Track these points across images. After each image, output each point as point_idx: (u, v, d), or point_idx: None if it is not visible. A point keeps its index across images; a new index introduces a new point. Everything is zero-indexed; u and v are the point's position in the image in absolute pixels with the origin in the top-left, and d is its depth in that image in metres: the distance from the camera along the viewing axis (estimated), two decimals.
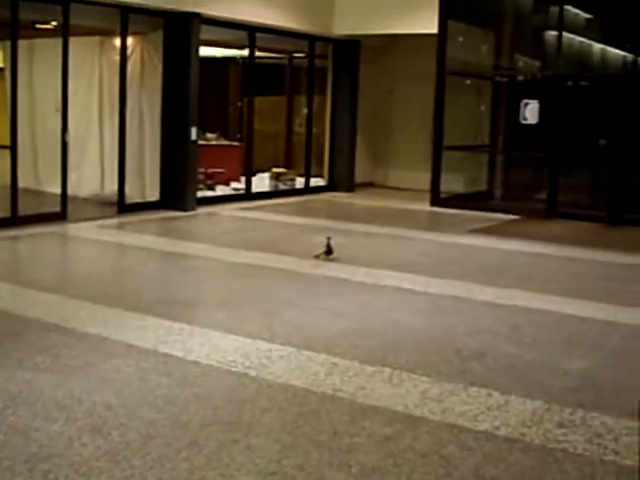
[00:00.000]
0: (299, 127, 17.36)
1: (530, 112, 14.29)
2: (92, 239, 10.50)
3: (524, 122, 14.38)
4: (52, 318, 6.58)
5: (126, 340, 6.06)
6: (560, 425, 4.74)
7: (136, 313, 6.79)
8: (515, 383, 5.46)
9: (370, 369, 5.61)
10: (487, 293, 8.03)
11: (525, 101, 14.39)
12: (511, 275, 9.08)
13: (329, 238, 9.41)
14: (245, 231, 11.63)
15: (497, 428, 4.66)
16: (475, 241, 11.28)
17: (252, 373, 5.44)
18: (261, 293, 7.79)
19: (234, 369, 5.50)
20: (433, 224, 13.38)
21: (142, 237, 10.73)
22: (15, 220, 10.83)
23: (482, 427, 4.67)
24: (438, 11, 14.54)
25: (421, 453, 4.31)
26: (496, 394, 5.20)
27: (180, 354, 5.78)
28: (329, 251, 9.37)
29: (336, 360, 5.76)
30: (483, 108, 16.46)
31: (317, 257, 9.31)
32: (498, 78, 16.28)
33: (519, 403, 5.07)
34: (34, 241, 10.17)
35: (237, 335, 6.28)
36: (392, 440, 4.46)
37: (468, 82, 16.13)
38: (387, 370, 5.59)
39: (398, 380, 5.41)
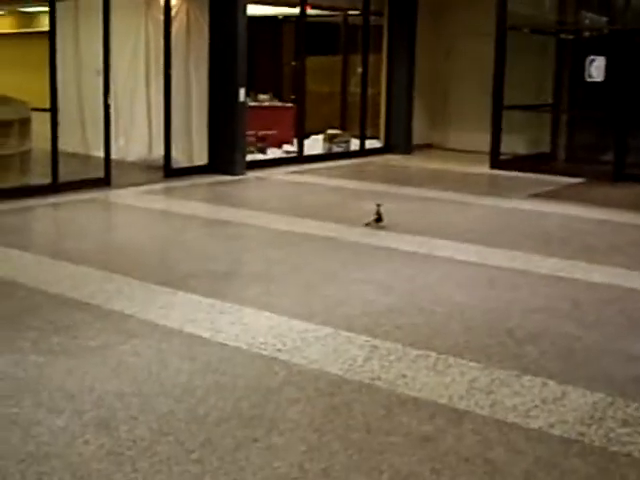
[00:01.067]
0: (354, 87, 16.75)
1: (596, 69, 13.48)
2: (133, 206, 10.11)
3: (589, 80, 13.59)
4: (76, 293, 6.18)
5: (151, 318, 5.63)
6: (625, 423, 4.18)
7: (166, 287, 6.36)
8: (574, 371, 4.90)
9: (414, 353, 5.10)
10: (547, 265, 7.44)
11: (591, 57, 13.58)
12: (573, 244, 8.45)
13: (379, 205, 8.87)
14: (295, 196, 11.16)
15: (552, 426, 4.13)
16: (536, 206, 10.63)
17: (283, 357, 4.97)
18: (303, 264, 7.30)
19: (264, 352, 5.04)
20: (492, 188, 12.73)
21: (186, 203, 10.31)
22: (56, 187, 10.48)
23: (535, 424, 4.14)
24: None
25: (464, 456, 3.80)
26: (552, 384, 4.66)
27: (207, 334, 5.33)
28: (379, 218, 8.83)
29: (377, 342, 5.26)
30: (546, 65, 15.64)
31: (367, 225, 8.78)
32: (563, 35, 15.44)
33: (578, 395, 4.51)
34: (72, 209, 9.81)
35: (271, 312, 5.81)
36: (431, 440, 3.96)
37: (531, 38, 15.32)
38: (433, 355, 5.07)
39: (444, 366, 4.89)
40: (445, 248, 8.00)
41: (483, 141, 15.16)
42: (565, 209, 10.45)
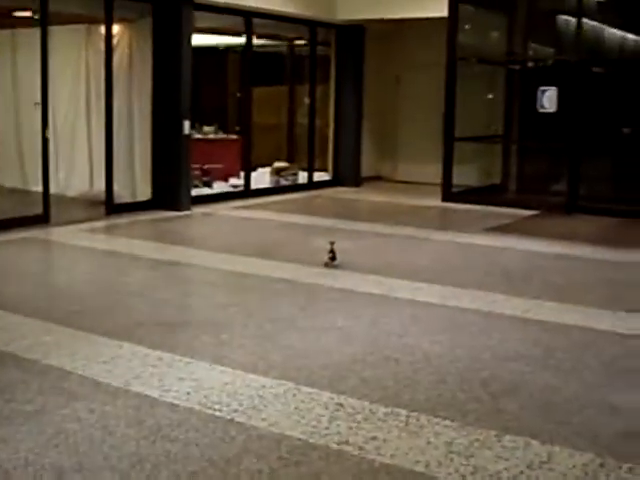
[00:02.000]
0: (301, 118, 16.41)
1: (548, 99, 13.30)
2: (74, 245, 9.57)
3: (542, 110, 13.40)
4: (11, 347, 5.67)
5: (94, 375, 5.13)
6: None
7: (110, 338, 5.87)
8: (557, 427, 4.52)
9: (383, 410, 4.68)
10: (513, 305, 7.10)
11: (542, 88, 13.40)
12: (537, 282, 8.15)
13: (332, 243, 8.47)
14: (243, 233, 10.72)
15: None
16: (492, 241, 10.33)
17: (240, 419, 4.51)
18: (257, 309, 6.86)
19: (218, 413, 4.57)
20: (446, 222, 12.43)
21: (130, 242, 9.81)
22: None
23: None
24: None
25: None
26: (536, 444, 4.27)
27: (155, 394, 4.85)
28: (333, 257, 8.43)
29: (342, 399, 4.83)
30: (496, 96, 15.47)
31: (326, 265, 8.36)
32: (511, 65, 15.29)
33: (565, 457, 4.13)
34: (6, 249, 9.23)
35: (225, 366, 5.35)
36: None
37: (480, 69, 15.14)
38: (403, 412, 4.65)
39: (416, 426, 4.48)
40: (404, 288, 7.62)
41: (432, 173, 15.00)
42: (522, 244, 10.16)
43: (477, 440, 4.31)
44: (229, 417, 4.53)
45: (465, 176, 14.53)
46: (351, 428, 4.43)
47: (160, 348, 5.66)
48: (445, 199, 14.01)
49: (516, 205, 13.36)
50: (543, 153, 14.95)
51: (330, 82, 15.75)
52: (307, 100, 15.42)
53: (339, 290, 7.56)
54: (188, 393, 4.86)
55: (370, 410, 4.68)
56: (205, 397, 4.80)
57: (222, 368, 5.31)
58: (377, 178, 16.74)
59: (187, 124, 11.94)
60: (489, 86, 15.43)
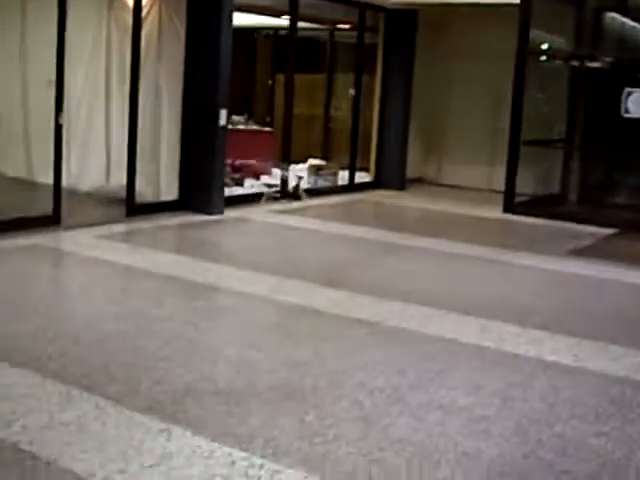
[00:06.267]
0: (338, 111, 14.73)
1: (635, 103, 11.58)
2: (91, 258, 7.77)
3: (627, 115, 11.69)
4: (14, 429, 3.95)
5: None
6: None
7: (152, 418, 4.15)
8: None
9: None
10: None
11: (628, 90, 11.68)
12: None
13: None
14: (290, 248, 9.00)
15: None
16: (586, 269, 8.60)
17: None
18: (341, 371, 5.12)
19: None
20: (519, 240, 10.56)
21: (156, 256, 8.06)
22: None
23: None
24: None
25: None
26: None
27: None
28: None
29: None
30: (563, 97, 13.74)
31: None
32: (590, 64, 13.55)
33: None
34: (6, 262, 7.45)
35: (321, 474, 3.64)
36: None
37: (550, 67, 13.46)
38: None
39: None
40: (519, 339, 5.94)
41: (480, 176, 13.82)
42: (623, 274, 8.46)
43: None
44: None
45: (523, 183, 12.80)
46: None
47: (225, 439, 3.95)
48: (507, 210, 12.30)
49: (589, 221, 11.61)
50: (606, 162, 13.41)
51: (376, 73, 13.99)
52: (352, 91, 13.64)
53: (437, 339, 5.85)
54: None
55: None
56: None
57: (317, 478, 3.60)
58: (419, 180, 15.00)
59: (224, 114, 10.22)
60: (556, 86, 13.66)
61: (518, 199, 12.37)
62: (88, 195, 10.74)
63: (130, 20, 9.70)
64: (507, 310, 6.74)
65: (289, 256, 8.44)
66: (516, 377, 5.17)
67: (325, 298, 6.72)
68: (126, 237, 8.96)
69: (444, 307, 6.64)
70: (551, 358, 5.55)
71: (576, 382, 5.17)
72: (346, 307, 6.51)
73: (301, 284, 7.12)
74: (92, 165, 10.99)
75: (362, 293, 6.91)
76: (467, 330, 6.08)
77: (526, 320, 6.43)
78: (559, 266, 8.73)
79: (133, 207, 9.84)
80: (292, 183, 9.78)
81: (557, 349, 5.75)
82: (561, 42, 13.61)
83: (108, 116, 10.87)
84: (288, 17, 11.99)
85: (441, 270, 8.20)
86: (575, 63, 13.64)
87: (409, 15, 13.67)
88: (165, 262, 7.79)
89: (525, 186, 12.73)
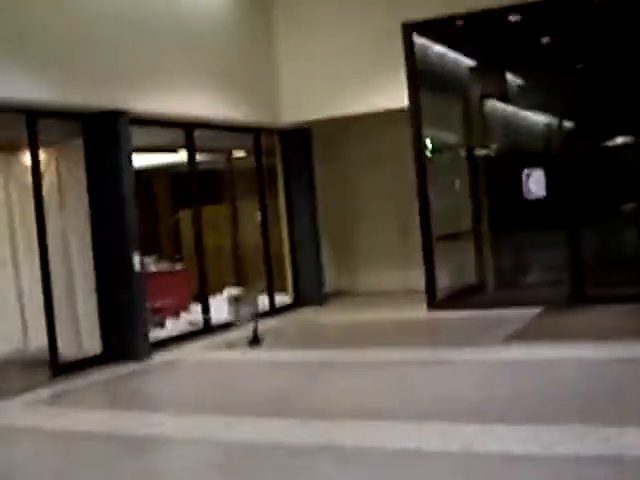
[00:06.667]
0: (245, 238, 14.67)
1: (535, 183, 11.85)
2: (18, 428, 7.34)
3: (528, 196, 11.95)
4: None
5: None
6: None
7: None
8: None
9: None
10: (627, 442, 5.30)
11: (527, 171, 11.98)
12: (626, 405, 6.38)
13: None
14: (232, 384, 8.66)
15: None
16: (526, 354, 8.62)
17: None
18: None
19: None
20: (453, 336, 10.49)
21: (91, 416, 7.67)
22: None
23: None
24: (407, 82, 12.15)
25: None
26: None
27: None
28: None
29: None
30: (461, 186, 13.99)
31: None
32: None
33: None
34: None
35: None
36: None
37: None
38: None
39: None
40: (482, 437, 5.79)
41: (394, 279, 14.20)
42: (563, 351, 8.51)
43: None
44: None
45: (441, 279, 12.86)
46: None
47: None
48: (431, 307, 12.30)
49: (513, 304, 11.70)
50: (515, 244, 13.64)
51: (278, 194, 14.07)
52: (258, 216, 13.63)
53: (402, 452, 5.66)
54: None
55: None
56: None
57: None
58: (337, 293, 14.93)
59: (137, 259, 10.03)
60: (459, 178, 13.93)
61: (439, 294, 12.43)
62: (6, 362, 10.30)
63: (29, 179, 9.49)
64: (459, 409, 6.63)
65: (232, 393, 8.17)
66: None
67: (277, 429, 6.48)
68: (54, 400, 8.51)
69: (394, 417, 6.49)
70: (518, 450, 5.41)
71: (549, 472, 5.03)
72: (297, 435, 6.27)
73: (252, 419, 6.87)
74: (7, 329, 10.59)
75: (311, 417, 6.69)
76: (429, 437, 5.92)
77: (481, 416, 6.32)
78: (500, 354, 8.74)
79: (57, 367, 9.47)
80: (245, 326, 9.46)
81: (520, 439, 5.62)
82: (453, 135, 13.95)
83: (18, 275, 10.58)
84: (186, 151, 11.93)
85: (383, 381, 8.04)
86: (467, 153, 13.98)
87: (303, 133, 13.89)
88: (101, 421, 7.42)
89: (443, 281, 12.81)
